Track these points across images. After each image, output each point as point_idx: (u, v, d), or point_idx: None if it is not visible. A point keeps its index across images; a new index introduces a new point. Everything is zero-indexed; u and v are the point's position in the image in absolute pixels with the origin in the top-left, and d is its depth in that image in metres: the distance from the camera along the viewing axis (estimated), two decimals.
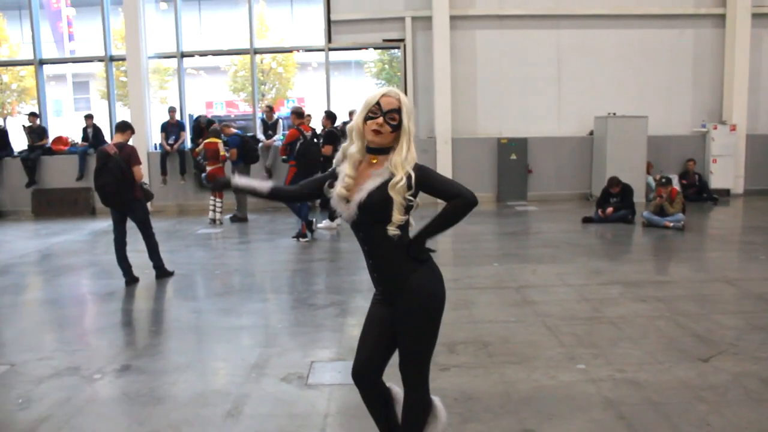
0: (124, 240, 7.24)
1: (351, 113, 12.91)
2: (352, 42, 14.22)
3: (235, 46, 16.48)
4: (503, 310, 5.88)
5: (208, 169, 11.53)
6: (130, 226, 7.29)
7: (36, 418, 3.88)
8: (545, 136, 13.91)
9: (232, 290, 7.19)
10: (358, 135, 2.63)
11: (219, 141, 11.45)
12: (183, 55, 14.39)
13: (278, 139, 13.30)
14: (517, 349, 4.84)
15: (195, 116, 14.24)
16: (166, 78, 19.20)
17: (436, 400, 2.89)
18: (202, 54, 16.15)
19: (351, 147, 2.66)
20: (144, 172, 7.94)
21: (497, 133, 13.90)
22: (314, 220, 10.12)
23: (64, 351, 5.18)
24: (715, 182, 13.73)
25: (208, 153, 11.41)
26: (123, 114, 15.81)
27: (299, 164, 9.50)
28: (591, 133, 13.86)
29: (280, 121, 14.17)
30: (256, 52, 14.81)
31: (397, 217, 2.56)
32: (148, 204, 7.78)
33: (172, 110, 13.86)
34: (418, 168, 2.60)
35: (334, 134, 10.46)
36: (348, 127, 2.70)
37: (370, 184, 2.59)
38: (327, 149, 10.04)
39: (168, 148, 13.49)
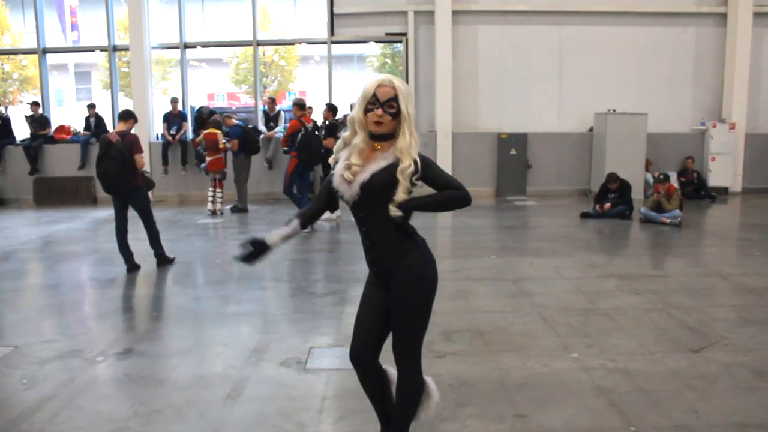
0: (126, 228, 7.32)
1: (352, 106, 12.95)
2: (355, 35, 14.28)
3: (238, 38, 16.51)
4: (500, 301, 5.97)
5: (207, 159, 11.60)
6: (132, 215, 7.37)
7: (40, 397, 3.97)
8: (545, 131, 13.97)
9: (232, 278, 7.27)
10: (360, 126, 2.71)
11: (219, 132, 11.51)
12: (186, 46, 14.45)
13: (280, 130, 13.37)
14: (512, 338, 4.92)
15: (197, 107, 14.30)
16: (168, 69, 19.25)
17: (429, 380, 2.99)
18: (205, 45, 16.17)
19: (355, 138, 2.74)
20: (145, 161, 8.00)
21: (498, 128, 13.97)
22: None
23: (66, 335, 5.26)
24: (714, 180, 13.80)
25: (208, 143, 11.47)
26: (125, 104, 15.85)
27: (300, 155, 9.58)
28: (591, 130, 13.93)
29: (282, 113, 14.24)
30: (259, 44, 14.86)
31: (400, 195, 2.65)
32: (149, 193, 7.86)
33: (174, 101, 13.92)
34: (422, 158, 2.71)
35: (336, 126, 10.53)
36: (348, 118, 2.77)
37: (374, 166, 2.68)
38: (329, 141, 10.10)
39: (170, 138, 13.56)
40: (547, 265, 7.42)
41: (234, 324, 5.51)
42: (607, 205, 10.75)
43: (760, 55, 14.07)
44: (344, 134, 2.81)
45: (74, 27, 19.24)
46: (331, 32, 14.04)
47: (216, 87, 26.20)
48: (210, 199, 11.61)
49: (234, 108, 22.31)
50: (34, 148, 13.64)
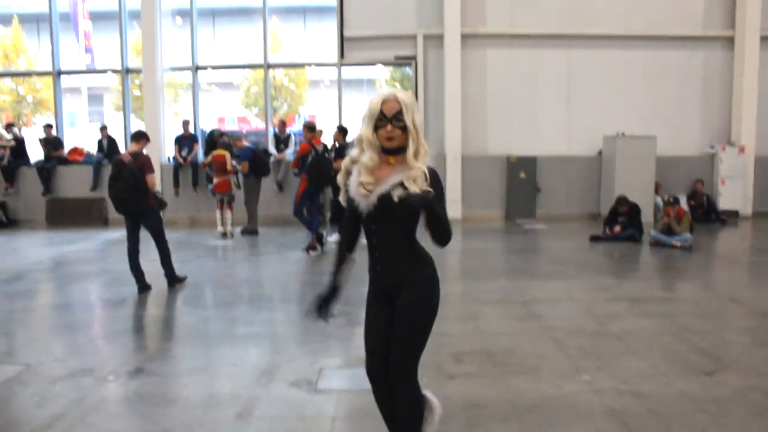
0: (137, 248, 7.36)
1: None
2: (365, 58, 14.41)
3: (249, 61, 16.71)
4: (510, 323, 5.96)
5: (215, 180, 11.68)
6: (144, 235, 7.41)
7: (51, 415, 3.98)
8: (554, 155, 14.00)
9: (242, 300, 7.30)
10: (369, 145, 2.74)
11: (227, 153, 11.60)
12: (197, 68, 14.64)
13: (290, 153, 13.46)
14: (522, 360, 4.91)
15: (208, 130, 14.44)
16: (180, 92, 19.47)
17: (428, 394, 3.01)
18: (216, 67, 16.37)
19: (363, 156, 2.76)
20: (157, 181, 8.07)
21: (506, 152, 14.00)
22: (324, 233, 10.23)
23: (77, 354, 5.29)
24: (724, 203, 13.77)
25: (216, 165, 11.56)
26: (137, 126, 16.02)
27: (311, 177, 9.63)
28: (600, 153, 13.94)
29: (292, 135, 14.35)
30: (270, 66, 15.03)
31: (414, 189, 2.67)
32: (161, 213, 7.92)
33: (185, 123, 14.07)
34: (433, 174, 2.74)
35: (346, 149, 10.59)
36: (356, 138, 2.81)
37: (394, 178, 2.71)
38: (339, 164, 10.14)
39: (181, 160, 13.69)
40: (557, 288, 7.40)
41: (244, 345, 5.52)
42: (617, 229, 10.73)
43: None
44: (352, 153, 2.84)
45: (88, 50, 19.50)
46: (341, 55, 14.18)
47: (226, 110, 26.44)
48: (219, 221, 11.67)
49: (244, 131, 22.49)
50: (47, 169, 13.79)
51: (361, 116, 2.81)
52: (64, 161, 14.12)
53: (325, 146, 10.42)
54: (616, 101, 14.04)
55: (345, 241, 2.98)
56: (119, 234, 11.44)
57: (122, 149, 13.67)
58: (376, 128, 2.71)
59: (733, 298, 6.97)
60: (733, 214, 13.76)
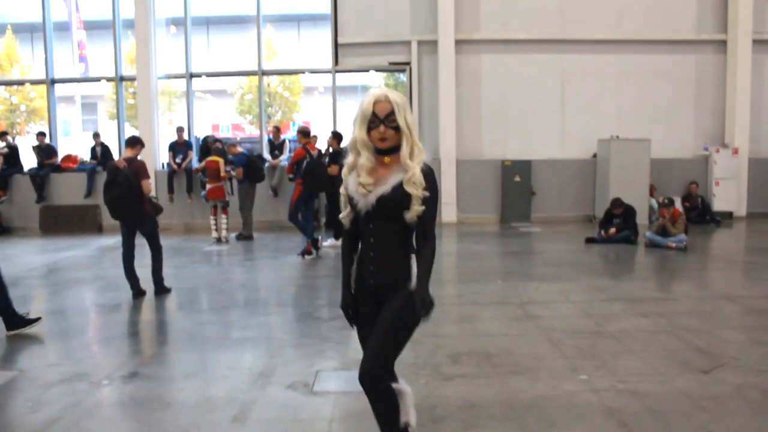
0: (133, 254, 7.33)
1: None
2: (359, 65, 14.43)
3: (243, 68, 16.71)
4: (506, 324, 5.94)
5: (208, 186, 11.64)
6: (139, 241, 7.37)
7: (46, 420, 3.94)
8: (549, 158, 14.04)
9: (237, 304, 7.26)
10: (364, 146, 2.72)
11: (221, 160, 11.56)
12: (192, 75, 14.63)
13: (284, 159, 13.45)
14: (520, 361, 4.89)
15: (203, 137, 14.43)
16: (174, 100, 19.46)
17: (401, 382, 2.92)
18: (210, 75, 16.36)
19: (360, 159, 2.75)
20: (152, 187, 8.04)
21: (501, 156, 14.03)
22: (320, 238, 10.21)
23: (72, 359, 5.25)
24: (718, 205, 13.82)
25: (209, 171, 11.52)
26: (131, 134, 15.99)
27: (305, 183, 9.62)
28: (594, 156, 13.98)
29: (287, 141, 14.34)
30: (264, 73, 15.05)
31: (417, 208, 2.69)
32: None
33: (180, 130, 14.05)
34: (429, 176, 2.72)
35: (340, 154, 10.58)
36: (349, 143, 2.81)
37: (393, 179, 2.70)
38: (333, 169, 10.13)
39: (175, 167, 13.65)
40: (552, 290, 7.39)
41: (240, 349, 5.49)
42: (612, 230, 10.74)
43: (761, 80, 14.19)
44: (348, 160, 2.83)
45: (82, 59, 19.49)
46: (336, 62, 14.20)
47: (221, 118, 26.42)
48: (213, 226, 11.63)
49: (238, 139, 22.49)
50: (40, 177, 13.74)
51: (353, 119, 2.80)
52: (58, 169, 14.07)
53: (319, 151, 10.42)
54: (610, 105, 14.10)
55: (349, 246, 2.95)
56: (113, 240, 11.44)
57: (116, 156, 13.63)
58: (369, 129, 2.70)
59: (728, 297, 6.97)
60: (728, 215, 13.80)
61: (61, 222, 13.70)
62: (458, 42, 13.80)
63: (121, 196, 7.06)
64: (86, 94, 25.96)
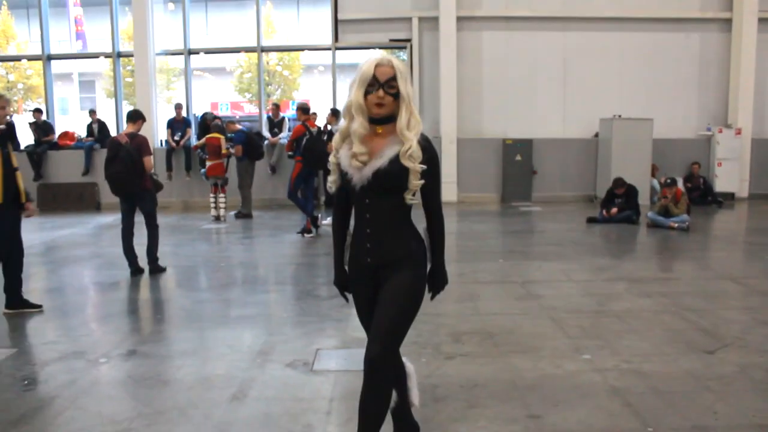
0: (132, 231, 7.25)
1: None
2: (359, 41, 14.23)
3: (242, 45, 16.52)
4: (508, 303, 5.88)
5: (208, 164, 11.53)
6: (138, 220, 7.28)
7: (42, 398, 3.90)
8: (550, 137, 13.90)
9: (236, 282, 7.20)
10: (359, 110, 2.55)
11: (222, 137, 11.44)
12: (190, 52, 14.43)
13: (284, 137, 13.32)
14: (522, 340, 4.83)
15: (201, 114, 14.29)
16: (172, 78, 19.28)
17: (404, 360, 2.93)
18: (209, 51, 16.15)
19: (353, 124, 2.57)
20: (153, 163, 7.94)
21: (502, 134, 13.90)
22: (319, 216, 10.14)
23: (68, 336, 5.19)
24: (720, 186, 13.72)
25: (210, 148, 11.39)
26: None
27: (305, 160, 9.51)
28: (596, 135, 13.86)
29: (286, 119, 14.20)
30: (263, 50, 14.86)
31: (414, 183, 2.57)
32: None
33: (178, 107, 13.88)
34: (428, 148, 2.59)
35: None
36: (346, 104, 2.61)
37: (390, 151, 2.56)
38: (332, 146, 10.02)
39: (174, 144, 13.52)
40: (554, 269, 7.33)
41: (239, 327, 5.43)
42: (614, 210, 10.66)
43: (765, 60, 14.00)
44: (340, 126, 2.67)
45: (79, 36, 19.29)
46: (336, 38, 14.02)
47: (220, 96, 26.24)
48: (212, 204, 11.54)
49: (237, 117, 22.35)
50: (37, 154, 13.61)
51: (350, 83, 2.62)
52: (55, 146, 13.94)
53: (319, 128, 10.29)
54: (613, 83, 13.94)
55: (340, 222, 2.83)
56: (112, 218, 11.38)
57: (113, 133, 13.50)
58: (366, 94, 2.53)
59: (731, 278, 6.91)
60: (730, 196, 13.71)
61: (59, 200, 13.59)
62: (459, 19, 13.60)
63: (122, 171, 6.97)
64: (84, 72, 25.77)
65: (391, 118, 2.57)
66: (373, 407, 2.66)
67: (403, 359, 2.92)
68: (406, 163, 2.54)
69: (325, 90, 15.96)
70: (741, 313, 5.59)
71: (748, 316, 5.48)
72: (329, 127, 11.06)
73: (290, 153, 10.07)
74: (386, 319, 2.62)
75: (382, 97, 2.51)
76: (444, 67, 13.57)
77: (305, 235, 9.60)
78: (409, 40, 13.92)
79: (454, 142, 13.65)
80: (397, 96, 2.54)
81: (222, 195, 11.49)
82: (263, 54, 15.05)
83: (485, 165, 13.86)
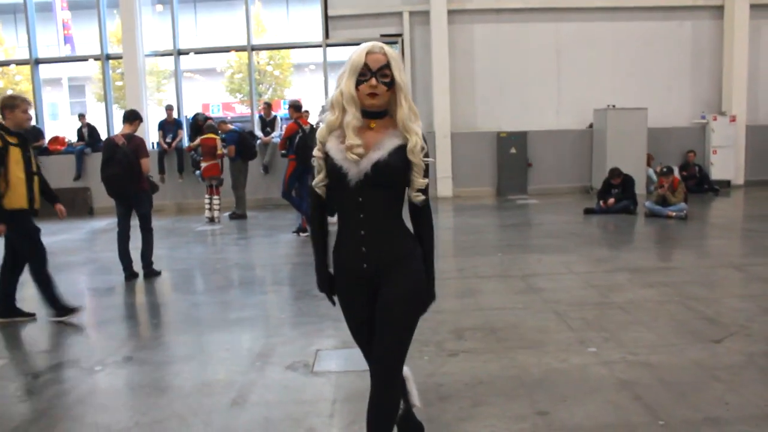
0: (128, 234, 7.13)
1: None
2: (350, 38, 14.07)
3: (232, 44, 16.40)
4: (510, 298, 5.80)
5: (203, 165, 11.40)
6: (133, 224, 7.17)
7: (35, 409, 3.80)
8: (545, 129, 13.84)
9: (232, 284, 7.11)
10: (351, 102, 2.35)
11: (217, 137, 11.32)
12: (180, 52, 14.29)
13: (276, 136, 13.20)
14: (526, 335, 4.75)
15: (192, 115, 14.15)
16: (163, 81, 19.13)
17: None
18: (199, 51, 15.99)
19: (347, 116, 2.36)
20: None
21: (496, 127, 13.82)
22: None
23: (63, 344, 5.09)
24: (716, 173, 13.68)
25: (204, 149, 11.27)
26: (119, 115, 15.72)
27: (299, 158, 9.39)
28: (590, 126, 13.80)
29: (278, 118, 14.08)
30: (254, 48, 14.73)
31: (420, 181, 2.41)
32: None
33: (169, 108, 13.75)
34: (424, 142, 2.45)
35: None
36: (334, 97, 2.40)
37: (389, 143, 2.36)
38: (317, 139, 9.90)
39: (165, 146, 13.39)
40: (554, 261, 7.25)
41: (237, 329, 5.33)
42: (611, 201, 10.59)
43: (758, 46, 13.98)
44: (327, 117, 2.42)
45: (67, 40, 19.10)
46: (326, 35, 13.90)
47: (211, 97, 26.09)
48: (207, 206, 11.42)
49: (229, 118, 22.27)
50: None
51: (338, 74, 2.41)
52: (45, 151, 13.78)
53: (311, 126, 10.17)
54: (606, 73, 13.88)
55: (320, 225, 2.61)
56: (105, 223, 11.26)
57: (104, 136, 13.37)
58: (358, 84, 2.34)
59: (733, 266, 6.85)
60: (725, 184, 13.67)
61: (51, 205, 13.38)
62: (451, 12, 13.51)
63: (119, 173, 6.86)
64: (73, 76, 25.58)
65: (384, 113, 2.41)
66: (385, 426, 2.51)
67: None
68: (412, 158, 2.37)
69: (316, 88, 15.86)
70: (744, 300, 5.53)
71: (752, 303, 5.41)
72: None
73: (283, 152, 9.94)
74: (393, 329, 2.43)
75: (375, 86, 2.32)
76: (436, 61, 13.48)
77: (301, 234, 9.49)
78: (400, 35, 13.81)
79: (448, 137, 13.56)
80: (390, 85, 2.35)
81: (216, 197, 11.38)
82: (254, 53, 14.91)
83: (480, 159, 13.78)
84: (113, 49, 14.93)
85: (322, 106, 11.64)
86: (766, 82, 14.10)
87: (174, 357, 4.72)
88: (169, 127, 13.54)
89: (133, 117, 7.24)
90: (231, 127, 11.89)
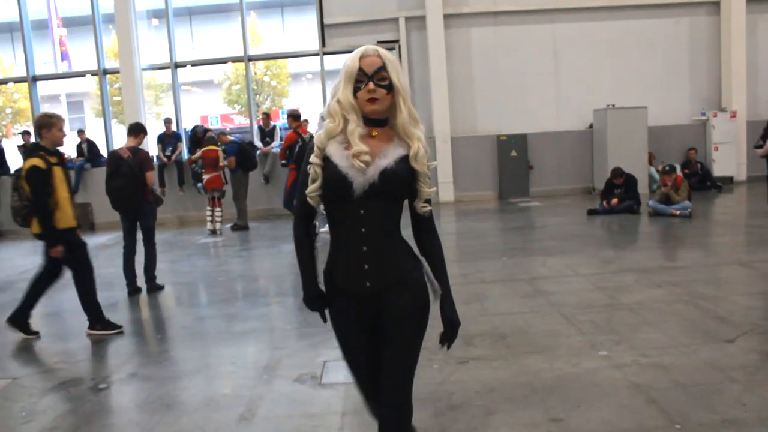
0: (135, 249, 7.09)
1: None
2: (347, 45, 14.05)
3: (229, 55, 16.39)
4: (517, 302, 5.74)
5: (205, 177, 11.36)
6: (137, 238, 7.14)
7: (41, 429, 3.73)
8: (545, 131, 13.79)
9: (236, 296, 7.05)
10: (351, 110, 2.21)
11: (219, 149, 11.27)
12: (177, 65, 14.28)
13: (276, 146, 13.17)
14: (535, 339, 4.69)
15: (191, 127, 14.13)
16: (160, 94, 19.13)
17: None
18: (195, 63, 15.97)
19: (349, 125, 2.21)
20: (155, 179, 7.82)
21: (496, 131, 13.78)
22: (316, 224, 9.95)
23: (67, 362, 5.02)
24: (718, 170, 13.62)
25: (207, 161, 11.22)
26: (118, 130, 15.72)
27: (299, 167, 9.36)
28: (591, 126, 13.75)
29: (277, 128, 14.05)
30: (250, 59, 14.71)
31: (427, 191, 2.29)
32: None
33: (168, 121, 13.73)
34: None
35: None
36: (331, 107, 2.25)
37: (395, 151, 2.24)
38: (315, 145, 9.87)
39: (165, 159, 13.36)
40: (560, 264, 7.18)
41: (242, 342, 5.27)
42: (614, 201, 10.54)
43: (756, 41, 13.94)
44: (326, 124, 2.25)
45: (64, 56, 19.14)
46: (323, 43, 13.88)
47: (209, 109, 26.11)
48: (209, 218, 11.37)
49: (227, 129, 22.29)
50: None
51: (333, 85, 2.28)
52: None
53: (311, 135, 10.15)
54: (605, 73, 13.84)
55: (307, 239, 2.41)
56: (106, 238, 11.21)
57: (103, 151, 13.35)
58: (356, 91, 2.21)
59: (741, 263, 6.79)
60: (728, 180, 13.61)
61: None
62: (447, 16, 13.49)
63: (124, 186, 6.82)
64: (71, 92, 25.62)
65: (385, 121, 2.28)
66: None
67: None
68: (416, 166, 2.24)
69: (314, 97, 15.84)
70: (755, 298, 5.47)
71: (763, 301, 5.36)
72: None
73: (284, 161, 9.93)
74: (403, 359, 2.32)
75: (373, 90, 2.18)
76: (434, 66, 13.46)
77: None
78: (397, 41, 13.78)
79: (448, 142, 13.52)
80: (389, 89, 2.21)
81: (218, 209, 11.32)
82: (251, 63, 14.89)
83: (481, 163, 13.73)
84: (110, 63, 14.93)
85: (321, 116, 11.62)
86: (765, 76, 14.05)
87: (180, 372, 4.66)
88: (168, 140, 13.51)
89: (138, 130, 7.22)
90: (231, 138, 11.87)
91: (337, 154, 2.21)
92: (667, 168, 10.33)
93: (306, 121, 11.42)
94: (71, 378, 4.57)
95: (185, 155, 13.55)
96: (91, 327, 5.65)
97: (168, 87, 15.45)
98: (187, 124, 15.23)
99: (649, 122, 12.97)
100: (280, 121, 18.56)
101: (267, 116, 14.17)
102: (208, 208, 11.39)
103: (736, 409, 3.36)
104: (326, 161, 2.23)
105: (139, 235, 7.11)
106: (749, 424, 3.20)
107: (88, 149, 13.84)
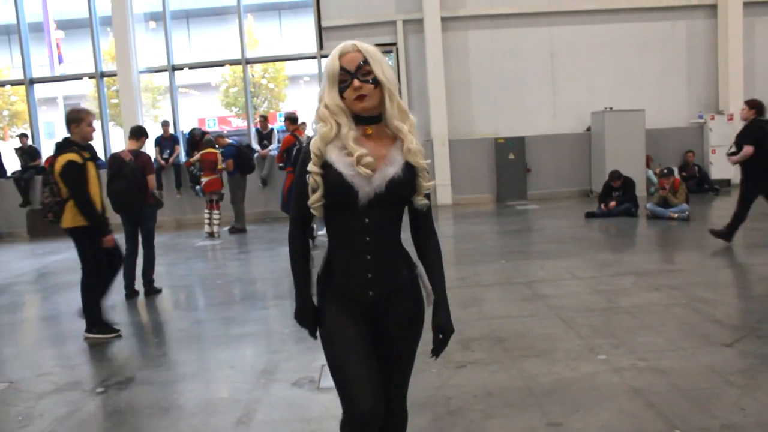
0: (137, 253, 7.08)
1: None
2: None
3: (226, 58, 16.39)
4: (515, 305, 5.73)
5: (204, 180, 11.34)
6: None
7: None
8: (542, 134, 13.81)
9: (234, 299, 7.03)
10: (341, 113, 2.11)
11: (217, 152, 11.26)
12: (174, 68, 14.28)
13: (273, 148, 13.17)
14: (533, 343, 4.68)
15: (189, 129, 14.12)
16: (158, 97, 19.13)
17: None
18: (193, 66, 15.97)
19: (342, 129, 2.11)
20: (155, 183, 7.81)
21: (494, 133, 13.80)
22: (314, 227, 9.96)
23: (64, 366, 5.00)
24: (715, 173, 13.63)
25: (206, 164, 11.20)
26: (115, 133, 15.71)
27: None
28: (588, 129, 13.77)
29: (275, 131, 14.05)
30: (248, 62, 14.70)
31: (426, 185, 2.19)
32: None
33: (165, 124, 13.73)
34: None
35: None
36: (320, 112, 2.14)
37: (400, 157, 2.15)
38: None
39: (162, 162, 13.34)
40: (558, 267, 7.18)
41: (240, 346, 5.26)
42: (612, 204, 10.54)
43: (753, 44, 13.99)
44: (320, 128, 2.13)
45: (61, 59, 19.12)
46: (320, 46, 13.88)
47: (206, 112, 26.10)
48: (207, 221, 11.35)
49: (225, 132, 22.30)
50: (25, 180, 13.41)
51: (319, 91, 2.18)
52: (42, 171, 13.70)
53: (308, 137, 10.13)
54: (602, 76, 13.87)
55: (305, 249, 2.33)
56: None
57: (100, 153, 13.30)
58: (341, 92, 2.11)
59: (739, 266, 6.81)
60: (726, 183, 13.61)
61: (50, 225, 13.22)
62: (444, 19, 13.52)
63: (126, 189, 6.81)
64: (69, 95, 25.55)
65: (379, 118, 2.16)
66: None
67: None
68: (411, 160, 2.14)
69: (311, 100, 15.82)
70: (753, 301, 5.48)
71: (761, 304, 5.36)
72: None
73: (281, 164, 9.92)
74: (401, 367, 2.33)
75: (359, 87, 2.07)
76: (431, 69, 13.47)
77: None
78: (394, 44, 13.80)
79: (446, 144, 13.53)
80: (377, 82, 2.10)
81: (216, 212, 11.31)
82: (248, 66, 14.88)
83: (478, 165, 13.75)
84: (107, 66, 14.91)
85: (313, 124, 11.58)
86: (762, 79, 14.07)
87: (177, 376, 4.64)
88: (165, 143, 13.50)
89: (140, 133, 7.23)
90: (228, 141, 11.86)
91: (340, 161, 2.11)
92: (665, 171, 10.34)
93: (303, 123, 11.41)
94: (68, 382, 4.55)
95: (183, 158, 13.53)
96: (88, 330, 5.62)
97: (165, 90, 15.45)
98: (185, 126, 15.21)
99: (647, 125, 13.00)
100: (278, 124, 18.56)
101: (264, 119, 14.17)
102: (206, 210, 11.37)
103: (734, 413, 3.36)
104: (327, 168, 2.12)
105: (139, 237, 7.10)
106: (748, 428, 3.19)
107: None
